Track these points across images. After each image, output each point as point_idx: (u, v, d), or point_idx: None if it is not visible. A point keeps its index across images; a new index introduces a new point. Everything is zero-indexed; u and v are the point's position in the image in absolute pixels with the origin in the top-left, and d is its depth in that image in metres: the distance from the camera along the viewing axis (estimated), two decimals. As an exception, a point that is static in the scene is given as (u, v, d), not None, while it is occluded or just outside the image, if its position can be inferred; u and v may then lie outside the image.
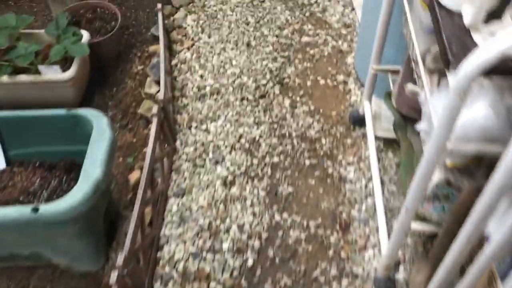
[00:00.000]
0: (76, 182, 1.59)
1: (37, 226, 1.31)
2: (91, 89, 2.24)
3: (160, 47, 2.15)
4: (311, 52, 2.42)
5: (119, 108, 2.19)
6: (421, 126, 1.18)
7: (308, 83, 2.27)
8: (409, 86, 1.31)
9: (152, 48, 2.45)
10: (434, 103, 1.12)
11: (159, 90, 2.21)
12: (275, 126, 2.11)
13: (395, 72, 1.73)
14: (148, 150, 1.65)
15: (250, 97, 2.23)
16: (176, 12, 2.67)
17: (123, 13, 2.64)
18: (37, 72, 1.96)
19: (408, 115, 1.54)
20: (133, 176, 1.91)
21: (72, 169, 1.65)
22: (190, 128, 2.11)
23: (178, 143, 2.04)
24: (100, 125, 1.48)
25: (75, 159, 1.67)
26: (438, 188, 1.24)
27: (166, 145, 1.97)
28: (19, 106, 2.11)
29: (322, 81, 2.28)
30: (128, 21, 2.63)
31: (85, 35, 2.10)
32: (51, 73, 1.95)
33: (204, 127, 2.11)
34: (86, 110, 1.54)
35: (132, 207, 1.81)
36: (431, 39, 1.33)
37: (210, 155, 2.00)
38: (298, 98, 2.21)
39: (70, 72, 1.96)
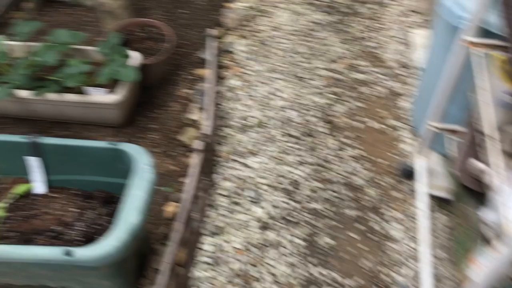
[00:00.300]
0: (111, 217, 1.56)
1: (69, 267, 1.27)
2: (136, 110, 2.21)
3: (209, 77, 2.10)
4: (363, 90, 2.32)
5: (161, 132, 2.15)
6: (488, 216, 1.07)
7: (357, 124, 2.17)
8: (476, 165, 1.20)
9: (199, 71, 2.40)
10: (507, 195, 1.01)
11: (202, 117, 2.17)
12: (319, 168, 2.02)
13: (455, 132, 1.62)
14: (187, 191, 1.60)
15: (295, 134, 2.14)
16: (227, 35, 2.62)
17: (174, 30, 2.61)
18: (84, 91, 1.94)
19: (469, 186, 1.42)
20: (169, 209, 1.85)
21: (109, 202, 1.61)
22: (230, 161, 2.04)
23: (217, 176, 1.98)
24: (141, 165, 1.43)
25: (113, 191, 1.63)
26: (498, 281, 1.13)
27: (204, 178, 1.91)
28: (63, 121, 2.11)
29: (372, 124, 2.17)
30: (178, 40, 2.59)
31: (136, 57, 2.07)
32: (98, 95, 1.93)
33: (244, 161, 2.04)
34: (129, 146, 1.50)
35: (165, 240, 1.77)
36: (507, 114, 1.22)
37: (249, 193, 1.93)
38: (345, 140, 2.11)
39: (117, 96, 1.93)
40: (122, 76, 1.90)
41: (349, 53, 2.51)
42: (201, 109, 2.19)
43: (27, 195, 1.62)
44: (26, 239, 1.49)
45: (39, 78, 2.00)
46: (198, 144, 1.72)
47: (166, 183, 1.97)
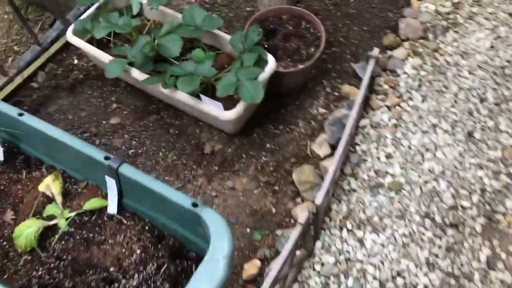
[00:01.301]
0: (171, 282, 1.28)
1: None
2: (255, 119, 1.84)
3: (355, 101, 1.61)
4: (556, 188, 1.66)
5: (275, 158, 1.78)
6: None
7: (529, 237, 1.57)
8: None
9: (346, 88, 1.92)
10: None
11: (329, 155, 1.74)
12: (452, 282, 1.51)
13: None
14: (270, 275, 1.24)
15: (437, 218, 1.62)
16: (397, 47, 2.04)
17: (332, 23, 2.12)
18: (199, 96, 1.62)
19: None
20: (249, 268, 1.53)
21: (177, 256, 1.33)
22: (341, 229, 1.62)
23: (318, 244, 1.59)
24: (216, 255, 1.09)
25: (185, 244, 1.35)
26: None
27: (302, 247, 1.53)
28: (176, 108, 1.85)
29: (550, 246, 1.55)
30: (335, 35, 2.09)
31: (271, 63, 1.66)
32: (212, 107, 1.59)
33: (360, 234, 1.60)
34: (213, 216, 1.15)
35: (231, 306, 1.48)
36: None
37: (350, 282, 1.52)
38: (504, 255, 1.54)
39: (233, 114, 1.57)
40: (244, 95, 1.52)
41: (555, 122, 1.81)
42: (331, 146, 1.75)
43: (98, 211, 1.40)
44: (76, 270, 1.29)
45: (160, 60, 1.72)
46: (301, 217, 1.32)
47: (259, 226, 1.64)
